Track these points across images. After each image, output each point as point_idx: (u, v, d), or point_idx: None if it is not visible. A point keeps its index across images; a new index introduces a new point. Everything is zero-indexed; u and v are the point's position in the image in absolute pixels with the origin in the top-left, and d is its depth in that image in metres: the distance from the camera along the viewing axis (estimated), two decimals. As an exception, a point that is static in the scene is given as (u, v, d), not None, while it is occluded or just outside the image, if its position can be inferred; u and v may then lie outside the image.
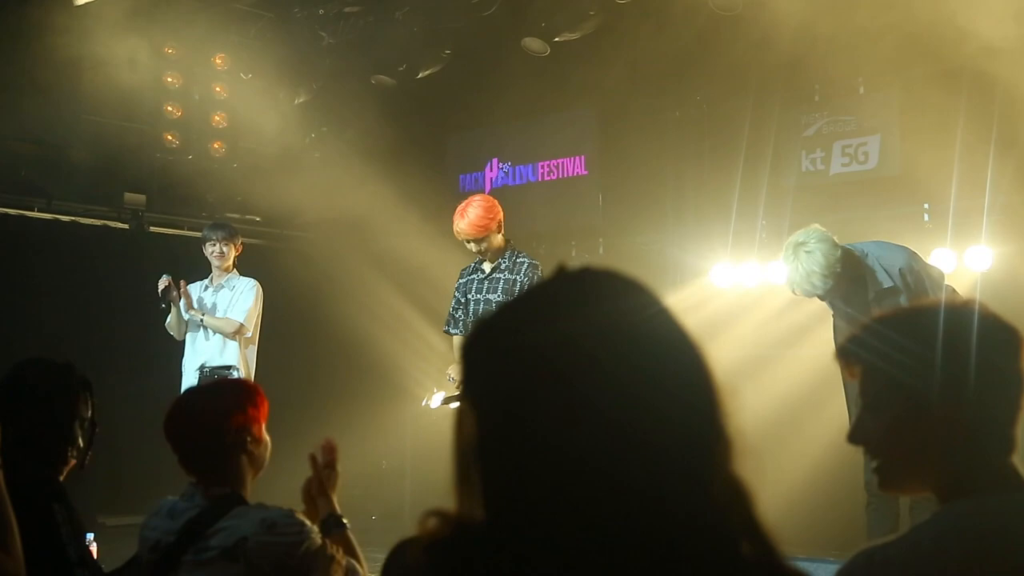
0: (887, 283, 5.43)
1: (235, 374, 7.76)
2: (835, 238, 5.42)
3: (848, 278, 5.43)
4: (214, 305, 7.91)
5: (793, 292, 5.53)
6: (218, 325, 7.81)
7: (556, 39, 8.58)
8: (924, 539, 1.89)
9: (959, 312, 1.98)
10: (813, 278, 5.34)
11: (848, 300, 5.54)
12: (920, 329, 1.98)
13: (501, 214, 6.50)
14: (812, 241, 5.35)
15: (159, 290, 7.76)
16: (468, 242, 6.46)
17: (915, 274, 5.47)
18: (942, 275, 5.59)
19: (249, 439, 3.11)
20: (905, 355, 1.96)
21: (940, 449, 1.92)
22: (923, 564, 1.85)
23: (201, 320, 7.78)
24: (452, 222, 6.50)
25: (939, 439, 1.92)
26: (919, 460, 1.96)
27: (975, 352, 1.91)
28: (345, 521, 3.11)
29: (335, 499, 3.13)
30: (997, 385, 1.92)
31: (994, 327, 1.96)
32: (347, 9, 9.32)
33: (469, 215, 6.42)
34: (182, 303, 7.76)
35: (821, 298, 5.53)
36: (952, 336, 1.93)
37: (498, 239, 6.47)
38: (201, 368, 7.82)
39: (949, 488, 1.93)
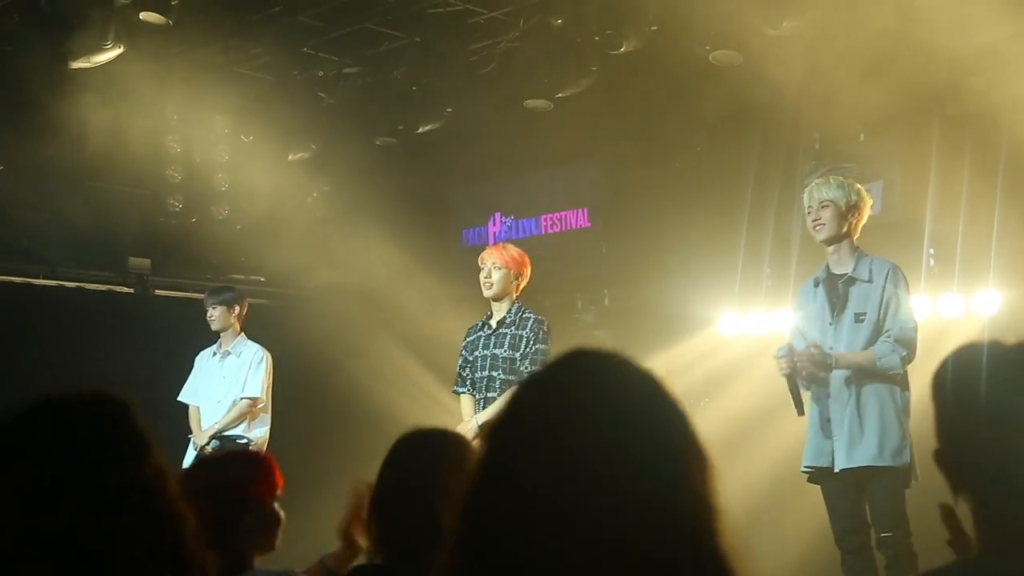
0: (863, 276, 5.53)
1: (244, 443, 7.75)
2: None
3: (846, 241, 5.60)
4: (222, 375, 7.93)
5: (805, 196, 5.69)
6: (235, 418, 7.85)
7: (558, 95, 8.61)
8: None
9: (965, 356, 1.91)
10: (832, 181, 5.63)
11: (828, 279, 5.64)
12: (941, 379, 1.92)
13: (528, 274, 6.62)
14: None
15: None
16: (483, 266, 6.53)
17: (896, 285, 5.51)
18: (916, 326, 5.56)
19: (255, 511, 3.06)
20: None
21: (970, 502, 1.85)
22: None
23: (221, 433, 7.80)
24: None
25: (960, 487, 1.86)
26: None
27: (985, 399, 1.83)
28: None
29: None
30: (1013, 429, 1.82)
31: (1004, 366, 1.87)
32: (346, 70, 9.38)
33: (505, 246, 6.70)
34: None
35: (819, 230, 5.59)
36: (957, 383, 1.87)
37: (511, 286, 6.53)
38: (209, 438, 7.80)
39: (984, 543, 1.86)
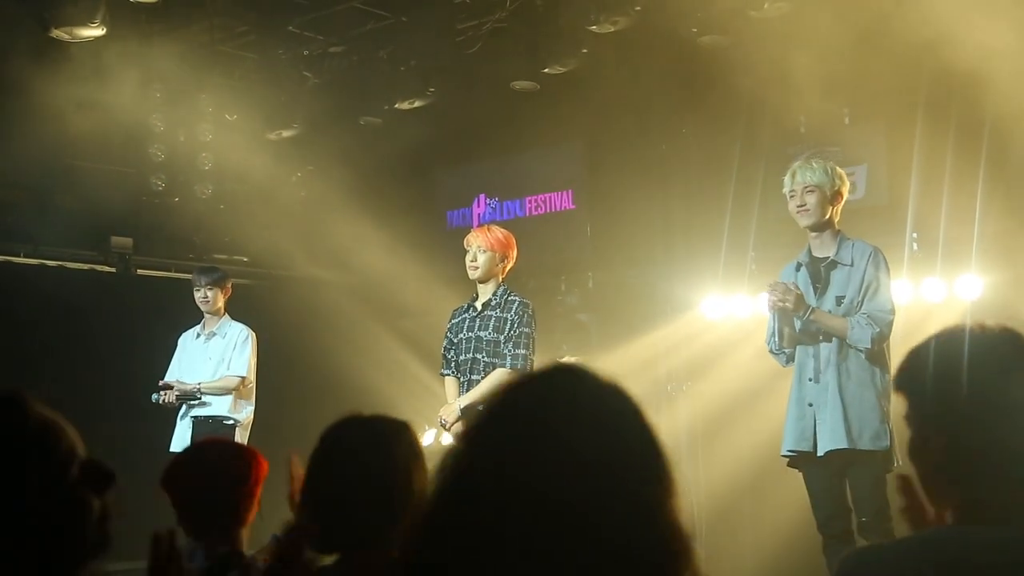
0: (846, 260, 5.55)
1: (230, 423, 7.73)
2: None
3: (829, 225, 5.60)
4: (207, 356, 7.90)
5: (787, 179, 5.65)
6: (219, 387, 7.80)
7: (545, 70, 8.60)
8: (913, 548, 1.88)
9: (948, 336, 1.97)
10: (815, 165, 5.60)
11: (811, 262, 5.64)
12: (914, 360, 1.96)
13: (514, 257, 6.60)
14: None
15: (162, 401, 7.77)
16: (468, 249, 6.54)
17: (877, 268, 5.53)
18: (893, 309, 5.57)
19: (251, 502, 3.08)
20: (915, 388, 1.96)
21: (946, 476, 1.90)
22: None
23: (199, 392, 7.76)
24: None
25: (943, 466, 1.90)
26: (931, 485, 1.94)
27: (966, 375, 1.88)
28: None
29: None
30: (996, 407, 1.87)
31: (987, 346, 1.92)
32: (331, 49, 9.33)
33: (491, 228, 6.63)
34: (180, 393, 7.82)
35: (803, 213, 5.58)
36: (941, 362, 1.92)
37: (496, 268, 6.51)
38: (195, 417, 7.78)
39: (963, 513, 1.89)
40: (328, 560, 2.74)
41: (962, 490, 1.90)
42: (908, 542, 1.92)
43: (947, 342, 1.99)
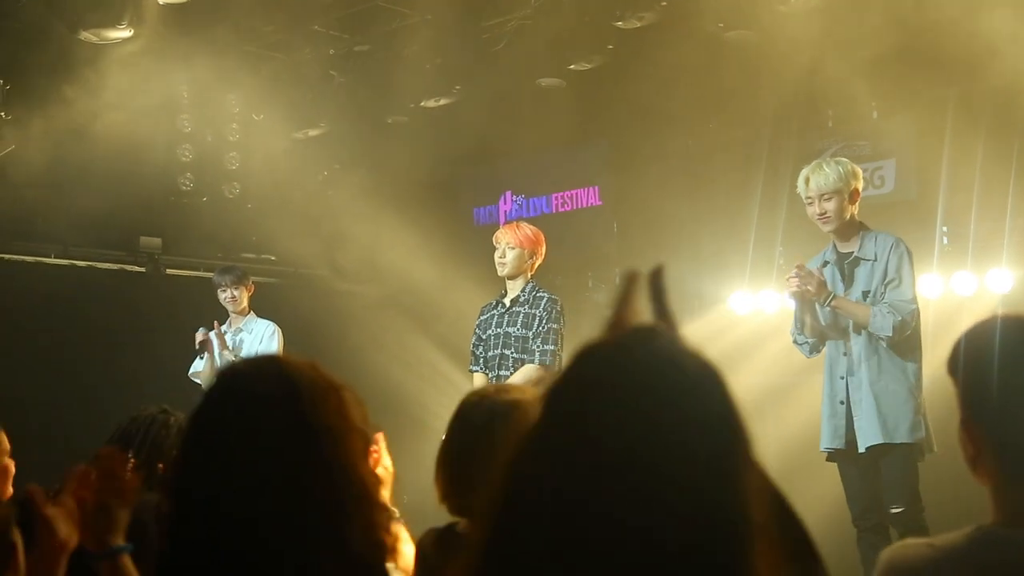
0: (868, 255, 5.52)
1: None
2: None
3: (850, 222, 5.56)
4: (234, 355, 7.93)
5: (800, 184, 5.60)
6: None
7: (571, 66, 8.60)
8: (959, 549, 1.85)
9: (980, 330, 1.93)
10: (828, 170, 5.51)
11: (837, 259, 5.62)
12: (955, 353, 1.94)
13: (543, 253, 6.63)
14: None
15: (197, 343, 7.77)
16: (498, 245, 6.56)
17: (900, 259, 5.48)
18: (915, 299, 5.51)
19: None
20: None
21: (989, 473, 1.87)
22: None
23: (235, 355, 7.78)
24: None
25: (985, 463, 1.87)
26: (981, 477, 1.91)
27: (996, 369, 1.86)
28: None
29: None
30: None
31: (1017, 339, 1.89)
32: (357, 48, 9.34)
33: (520, 224, 6.68)
34: (216, 349, 7.74)
35: (824, 222, 5.54)
36: (972, 355, 1.89)
37: (525, 265, 6.54)
38: None
39: (1000, 512, 1.87)
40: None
41: (998, 484, 1.88)
42: (954, 543, 1.89)
43: (981, 332, 1.96)
